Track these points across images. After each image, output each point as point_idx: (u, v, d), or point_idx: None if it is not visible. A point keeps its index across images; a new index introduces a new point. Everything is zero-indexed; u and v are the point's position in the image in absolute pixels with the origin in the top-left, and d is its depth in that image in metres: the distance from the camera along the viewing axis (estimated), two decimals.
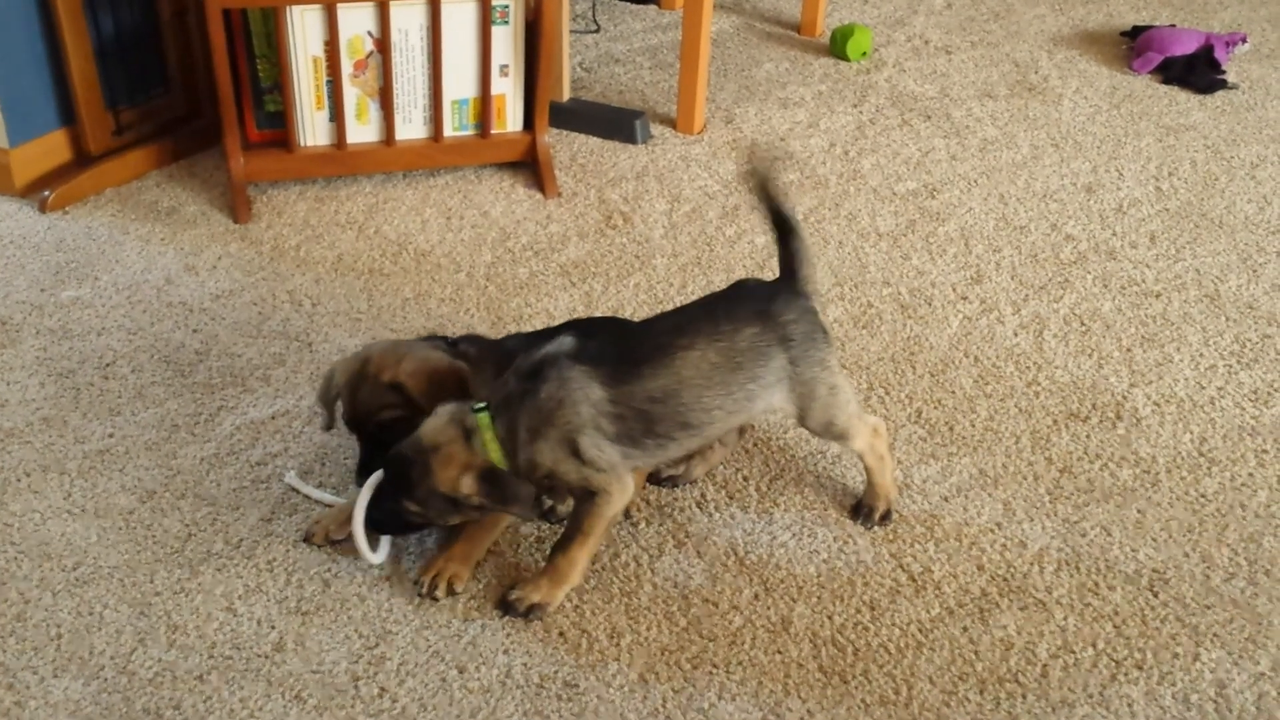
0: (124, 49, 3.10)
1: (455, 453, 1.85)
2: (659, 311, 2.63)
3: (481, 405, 1.88)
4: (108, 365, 2.47)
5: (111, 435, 2.29)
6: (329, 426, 2.13)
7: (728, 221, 3.07)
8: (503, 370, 1.96)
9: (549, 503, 2.10)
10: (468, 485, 1.84)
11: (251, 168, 3.05)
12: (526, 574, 2.02)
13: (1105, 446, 2.36)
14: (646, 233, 3.01)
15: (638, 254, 2.93)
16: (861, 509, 2.16)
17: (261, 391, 2.42)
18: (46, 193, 2.99)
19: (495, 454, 1.85)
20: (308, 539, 2.06)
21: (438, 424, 1.88)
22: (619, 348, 1.93)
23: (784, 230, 2.04)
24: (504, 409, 1.87)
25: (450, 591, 1.96)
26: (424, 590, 1.96)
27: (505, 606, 1.94)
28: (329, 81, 3.01)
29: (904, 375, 2.54)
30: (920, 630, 1.95)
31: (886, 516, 2.14)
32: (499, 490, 1.85)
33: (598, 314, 2.69)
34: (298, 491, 2.17)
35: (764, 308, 1.98)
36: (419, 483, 1.86)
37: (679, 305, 2.19)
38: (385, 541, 2.02)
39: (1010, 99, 3.76)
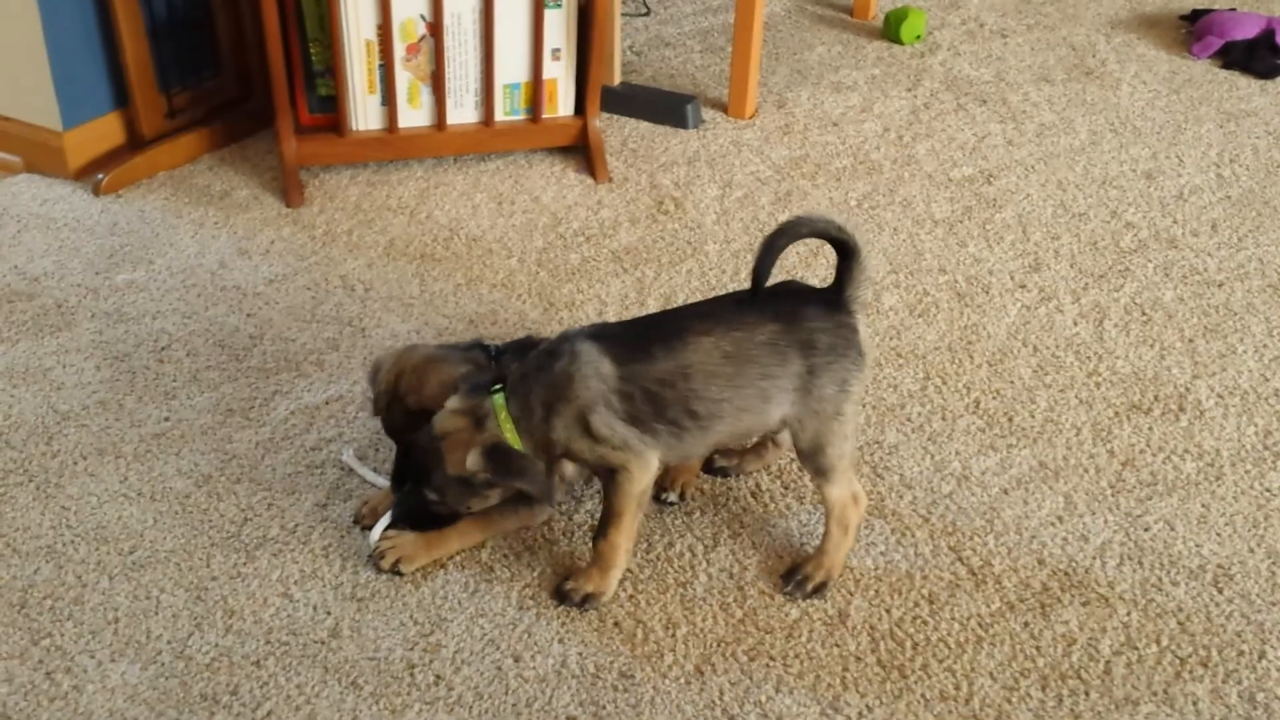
0: (176, 31, 3.10)
1: (463, 436, 1.87)
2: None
3: (497, 387, 1.88)
4: (163, 349, 2.48)
5: (167, 419, 2.30)
6: (377, 412, 2.12)
7: (780, 207, 3.04)
8: None
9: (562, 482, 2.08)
10: (474, 461, 1.84)
11: (303, 152, 3.05)
12: (580, 563, 2.01)
13: (1168, 439, 2.32)
14: (698, 218, 2.99)
15: (690, 240, 2.90)
16: (795, 574, 1.97)
17: (315, 376, 2.41)
18: (100, 176, 3.00)
19: (510, 433, 1.86)
20: (357, 521, 2.06)
21: (448, 416, 1.90)
22: (636, 329, 1.93)
23: (843, 250, 1.92)
24: (518, 388, 1.87)
25: (395, 569, 1.96)
26: (371, 554, 1.97)
27: (560, 596, 1.93)
28: (381, 65, 3.00)
29: (961, 365, 2.50)
30: (980, 625, 1.92)
31: (820, 590, 1.96)
32: (505, 465, 1.85)
33: (650, 301, 2.67)
34: (353, 472, 2.16)
35: (793, 309, 1.90)
36: (433, 470, 1.88)
37: (710, 298, 2.15)
38: (381, 523, 2.03)
39: (1067, 83, 3.70)
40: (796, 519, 2.11)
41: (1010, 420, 2.35)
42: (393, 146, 3.11)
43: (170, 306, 2.61)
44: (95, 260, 2.76)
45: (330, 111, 3.10)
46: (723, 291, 2.69)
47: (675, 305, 2.62)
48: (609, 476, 1.89)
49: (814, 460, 1.94)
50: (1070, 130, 3.44)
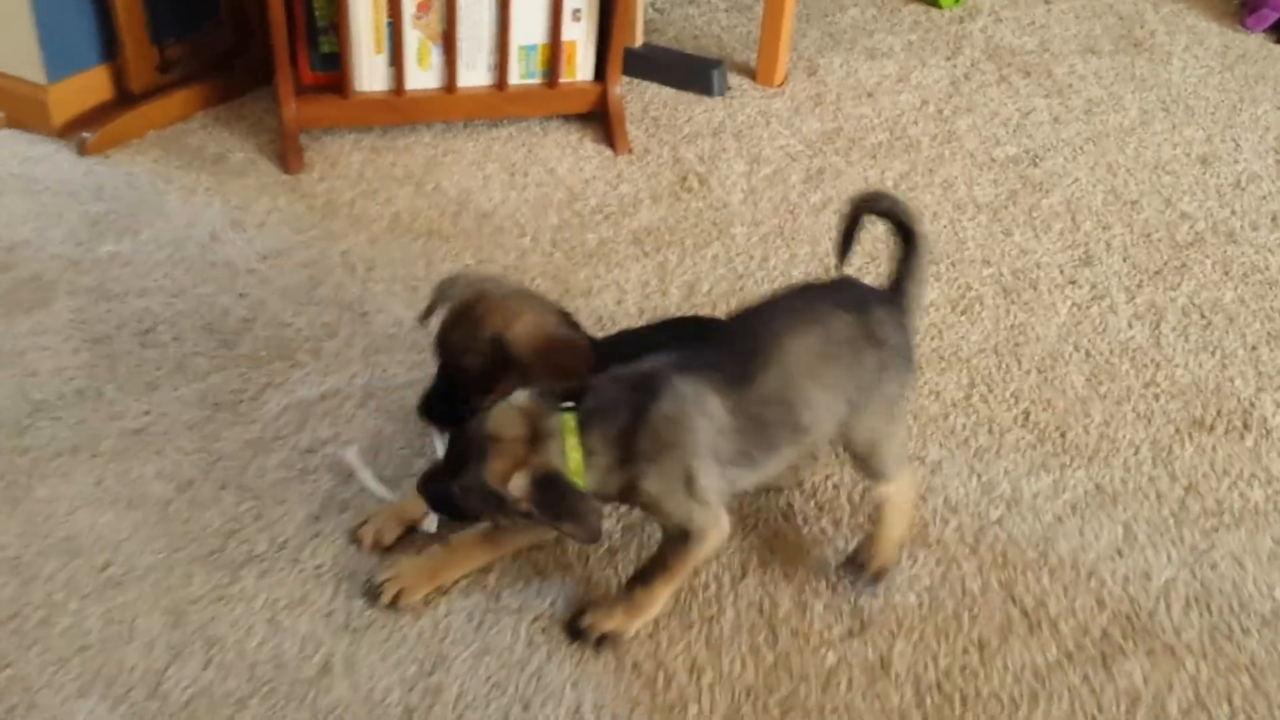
0: None
1: (515, 449, 1.63)
2: (741, 290, 2.44)
3: (568, 405, 1.66)
4: (147, 331, 2.29)
5: (149, 413, 2.11)
6: (426, 317, 1.95)
7: (811, 187, 2.84)
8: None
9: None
10: (518, 486, 1.61)
11: (304, 114, 2.84)
12: (597, 593, 1.83)
13: (1233, 461, 2.14)
14: (724, 197, 2.78)
15: (715, 221, 2.70)
16: (854, 562, 1.87)
17: (311, 367, 2.23)
18: (86, 134, 2.80)
19: (575, 464, 1.63)
20: (355, 541, 1.88)
21: (508, 414, 1.65)
22: (722, 349, 1.72)
23: (907, 243, 1.81)
24: (600, 419, 1.64)
25: (394, 603, 1.77)
26: (370, 589, 1.79)
27: (574, 633, 1.76)
28: (389, 23, 2.78)
29: (1009, 370, 2.31)
30: (1036, 677, 1.75)
31: (879, 578, 1.85)
32: (555, 503, 1.61)
33: (672, 289, 2.48)
34: (352, 476, 1.98)
35: (861, 302, 1.78)
36: (469, 468, 1.64)
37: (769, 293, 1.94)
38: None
39: (1115, 55, 3.48)
40: (832, 546, 1.93)
41: (1063, 436, 2.17)
42: (399, 110, 2.90)
43: (156, 283, 2.42)
44: (78, 229, 2.56)
45: (333, 70, 2.88)
46: (750, 280, 2.51)
47: (729, 306, 2.44)
48: (680, 537, 1.70)
49: (869, 461, 1.83)
50: (1120, 108, 3.22)
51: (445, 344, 1.89)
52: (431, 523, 1.88)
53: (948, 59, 3.41)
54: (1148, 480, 2.09)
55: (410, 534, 1.88)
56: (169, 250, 2.51)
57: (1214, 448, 2.17)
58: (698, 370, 1.66)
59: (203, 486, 1.98)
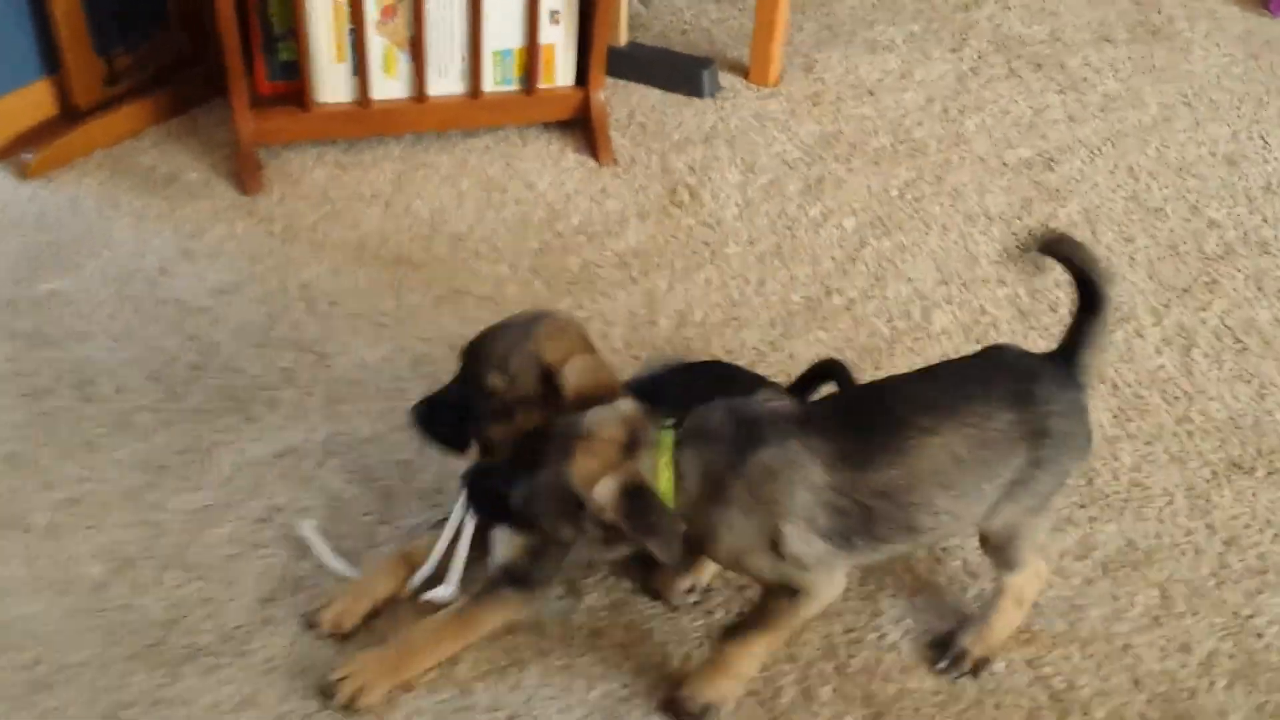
0: None
1: (609, 451, 1.45)
2: (736, 320, 2.23)
3: (669, 423, 1.49)
4: (87, 383, 2.09)
5: (87, 478, 1.92)
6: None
7: (810, 199, 2.63)
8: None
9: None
10: (605, 491, 1.43)
11: (261, 128, 2.63)
12: (578, 679, 1.65)
13: (1276, 509, 1.96)
14: (717, 212, 2.58)
15: (707, 240, 2.50)
16: (953, 648, 1.69)
17: (266, 421, 2.04)
18: (27, 155, 2.59)
19: (665, 483, 1.45)
20: (312, 626, 1.69)
21: (607, 416, 1.48)
22: (849, 419, 1.52)
23: (1091, 304, 1.58)
24: (698, 445, 1.46)
25: (352, 705, 1.58)
26: (328, 689, 1.59)
27: (673, 709, 1.60)
28: (351, 30, 2.58)
29: None
30: None
31: (980, 668, 1.68)
32: (642, 515, 1.43)
33: (662, 320, 2.29)
34: (310, 551, 1.79)
35: (1026, 388, 1.53)
36: (549, 464, 1.46)
37: (919, 368, 1.71)
38: (457, 569, 1.70)
39: (1131, 44, 3.27)
40: (840, 622, 1.75)
41: (1090, 483, 1.98)
42: (365, 122, 2.69)
43: (100, 325, 2.22)
44: (16, 263, 2.36)
45: (293, 78, 2.68)
46: (746, 307, 2.31)
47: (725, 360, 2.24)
48: (783, 593, 1.53)
49: (1003, 551, 1.64)
50: (1138, 103, 3.02)
51: (480, 354, 1.66)
52: (448, 588, 1.69)
53: (953, 51, 3.20)
54: (1184, 534, 1.91)
55: (370, 621, 1.70)
56: (115, 287, 2.31)
57: (1254, 493, 1.98)
58: (811, 432, 1.48)
59: (143, 566, 1.79)
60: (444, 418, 1.68)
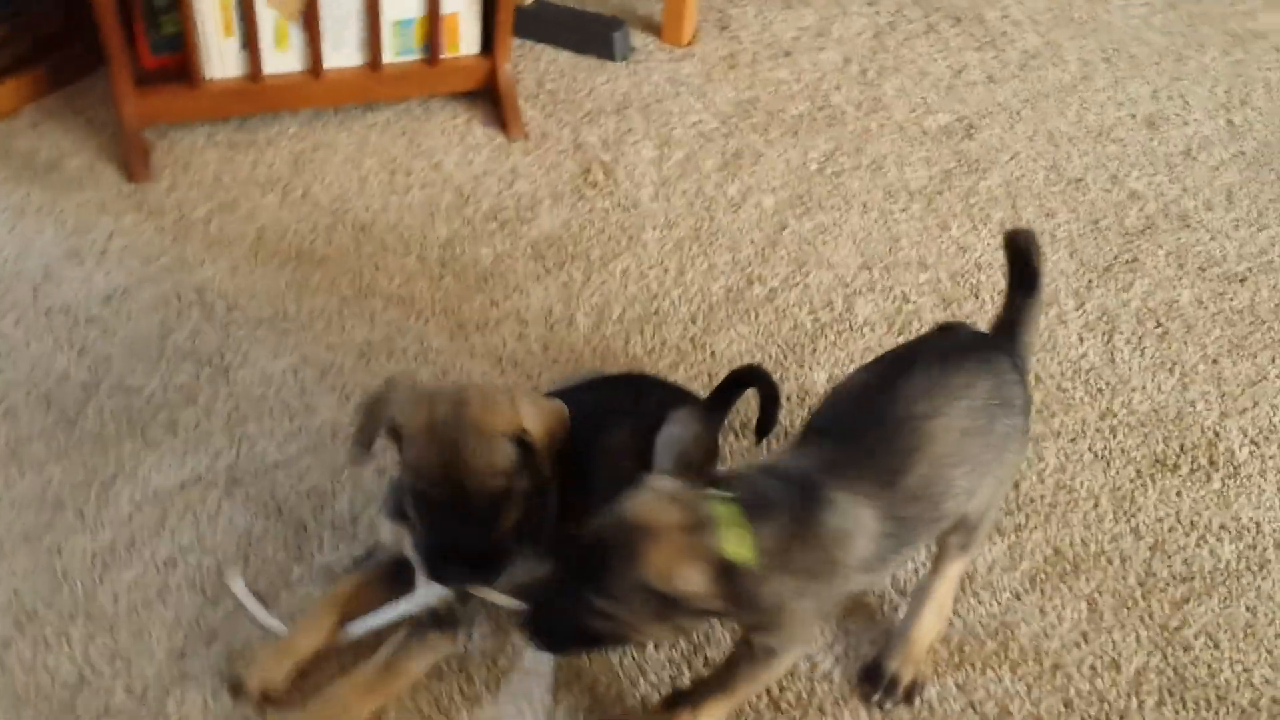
0: None
1: (676, 539, 1.34)
2: (657, 314, 2.16)
3: (728, 495, 1.39)
4: None
5: None
6: (357, 460, 1.61)
7: (727, 176, 2.55)
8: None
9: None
10: (697, 580, 1.33)
11: (146, 108, 2.47)
12: None
13: (1200, 509, 1.96)
14: (633, 192, 2.50)
15: (623, 224, 2.42)
16: (883, 676, 1.66)
17: (166, 446, 1.93)
18: None
19: (750, 554, 1.36)
20: (234, 689, 1.62)
21: (656, 500, 1.38)
22: (860, 444, 1.48)
23: (1026, 285, 1.65)
24: (765, 514, 1.39)
25: None
26: None
27: None
28: (239, 1, 2.42)
29: None
30: None
31: (913, 694, 1.66)
32: (746, 595, 1.35)
33: (579, 316, 2.21)
34: (238, 603, 1.71)
35: (990, 358, 1.56)
36: (618, 571, 1.34)
37: (877, 359, 1.65)
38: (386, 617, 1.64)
39: None
40: (809, 655, 1.72)
41: (1016, 487, 1.97)
42: (257, 98, 2.55)
43: None
44: None
45: (178, 51, 2.51)
46: (666, 299, 2.24)
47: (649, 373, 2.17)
48: (758, 655, 1.51)
49: (972, 533, 1.64)
50: (1058, 60, 2.97)
51: (455, 473, 1.51)
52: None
53: (870, 4, 3.12)
54: (1110, 540, 1.90)
55: (301, 679, 1.63)
56: None
57: (1179, 493, 1.98)
58: (849, 478, 1.44)
59: (46, 619, 1.70)
60: (468, 558, 1.55)
